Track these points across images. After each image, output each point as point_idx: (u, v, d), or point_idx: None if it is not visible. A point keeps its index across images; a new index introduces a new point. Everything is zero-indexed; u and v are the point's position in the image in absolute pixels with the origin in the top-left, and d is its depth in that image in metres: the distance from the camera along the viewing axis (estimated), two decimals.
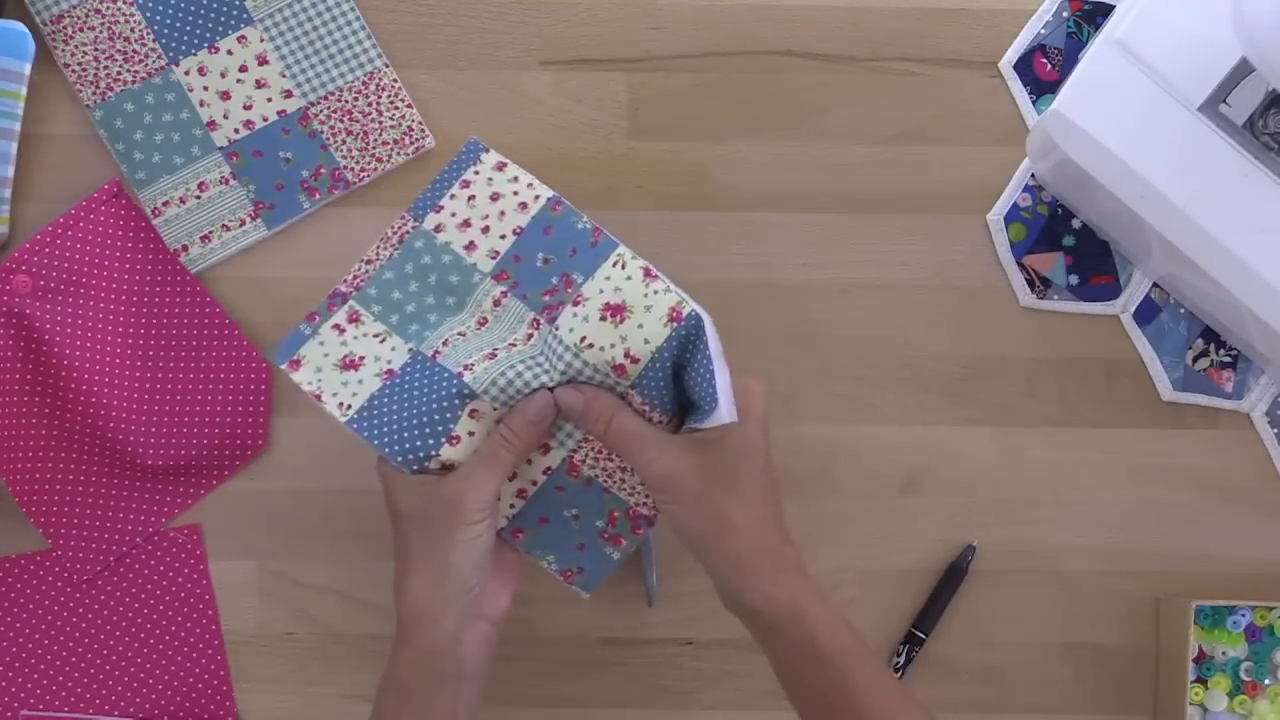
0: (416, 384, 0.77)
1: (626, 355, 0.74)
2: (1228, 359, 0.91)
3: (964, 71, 0.92)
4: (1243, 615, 0.88)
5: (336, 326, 0.81)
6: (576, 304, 0.76)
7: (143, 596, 0.88)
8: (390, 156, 0.91)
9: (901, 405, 0.90)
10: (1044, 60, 0.92)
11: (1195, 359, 0.91)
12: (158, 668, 0.88)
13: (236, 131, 0.90)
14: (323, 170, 0.90)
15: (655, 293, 0.75)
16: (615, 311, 0.75)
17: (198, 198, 0.90)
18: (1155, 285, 0.91)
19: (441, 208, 0.84)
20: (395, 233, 0.84)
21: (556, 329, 0.76)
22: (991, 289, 0.91)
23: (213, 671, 0.88)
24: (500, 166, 0.84)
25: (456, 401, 0.75)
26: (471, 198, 0.84)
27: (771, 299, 0.91)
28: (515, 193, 0.83)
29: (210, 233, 0.90)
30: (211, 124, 0.90)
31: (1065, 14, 0.92)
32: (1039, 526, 0.90)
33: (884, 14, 0.92)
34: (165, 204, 0.90)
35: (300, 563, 0.89)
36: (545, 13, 0.92)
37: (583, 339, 0.75)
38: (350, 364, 0.79)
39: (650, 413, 0.76)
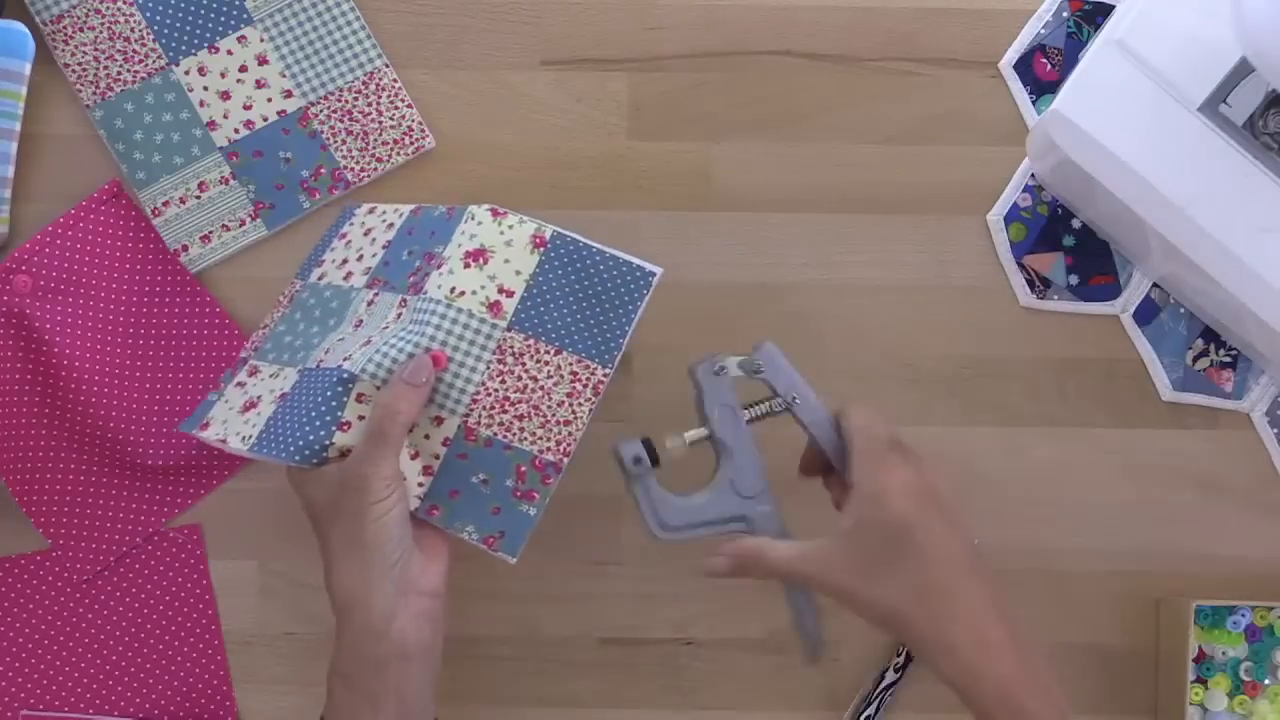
0: (304, 392, 0.77)
1: (500, 290, 0.76)
2: (1228, 359, 0.91)
3: (964, 71, 0.92)
4: (1243, 615, 0.88)
5: (239, 384, 0.83)
6: (439, 267, 0.77)
7: (143, 596, 0.88)
8: (390, 156, 0.91)
9: (901, 405, 0.90)
10: (1044, 60, 0.92)
11: (1195, 359, 0.91)
12: (158, 668, 0.88)
13: (236, 131, 0.90)
14: (323, 170, 0.90)
15: (510, 227, 0.78)
16: (476, 256, 0.77)
17: (198, 198, 0.90)
18: (1155, 285, 0.91)
19: (323, 262, 0.87)
20: (287, 296, 0.87)
21: (425, 294, 0.77)
22: (991, 289, 0.91)
23: (213, 671, 0.88)
24: (370, 210, 0.87)
25: (340, 389, 0.75)
26: (348, 243, 0.87)
27: (771, 299, 0.91)
28: (384, 219, 0.86)
29: (210, 233, 0.90)
30: (211, 124, 0.90)
31: (1065, 14, 0.92)
32: (1039, 526, 0.90)
33: (884, 14, 0.92)
34: (165, 204, 0.90)
35: (300, 563, 0.89)
36: (545, 13, 0.92)
37: (452, 289, 0.76)
38: (249, 406, 0.80)
39: (536, 344, 0.77)
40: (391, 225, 0.84)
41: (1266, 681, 0.88)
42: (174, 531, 0.89)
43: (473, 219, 0.78)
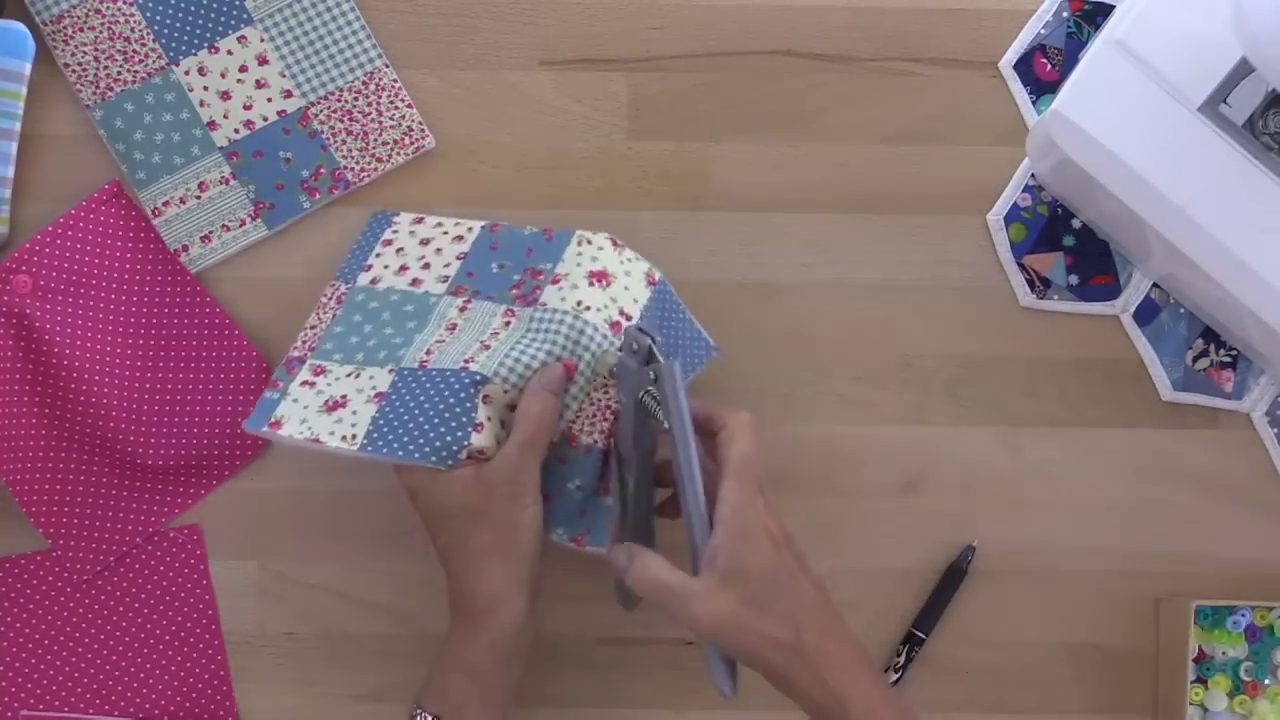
0: (419, 390, 0.77)
1: (621, 313, 0.79)
2: (1228, 359, 0.91)
3: (964, 71, 0.92)
4: (1243, 615, 0.88)
5: (305, 383, 0.82)
6: (556, 282, 0.80)
7: (143, 596, 0.88)
8: (390, 156, 0.91)
9: (901, 405, 0.90)
10: (1044, 60, 0.92)
11: (1195, 359, 0.91)
12: (158, 668, 0.88)
13: (236, 131, 0.90)
14: (323, 170, 0.90)
15: (629, 259, 0.82)
16: (600, 278, 0.80)
17: (198, 198, 0.90)
18: (1155, 285, 0.91)
19: (370, 266, 0.87)
20: (331, 297, 0.86)
21: (544, 304, 0.79)
22: (991, 289, 0.91)
23: (213, 671, 0.88)
24: (418, 220, 0.88)
25: (471, 390, 0.76)
26: (400, 250, 0.87)
27: (771, 299, 0.91)
28: (445, 232, 0.86)
29: (210, 233, 0.90)
30: (211, 124, 0.90)
31: (1065, 14, 0.92)
32: (1039, 526, 0.90)
33: (884, 14, 0.92)
34: (165, 204, 0.90)
35: (300, 563, 0.89)
36: (545, 13, 0.92)
37: (579, 303, 0.78)
38: (334, 405, 0.80)
39: None
40: (461, 239, 0.85)
41: (1266, 681, 0.88)
42: (174, 531, 0.89)
43: (589, 243, 0.81)
